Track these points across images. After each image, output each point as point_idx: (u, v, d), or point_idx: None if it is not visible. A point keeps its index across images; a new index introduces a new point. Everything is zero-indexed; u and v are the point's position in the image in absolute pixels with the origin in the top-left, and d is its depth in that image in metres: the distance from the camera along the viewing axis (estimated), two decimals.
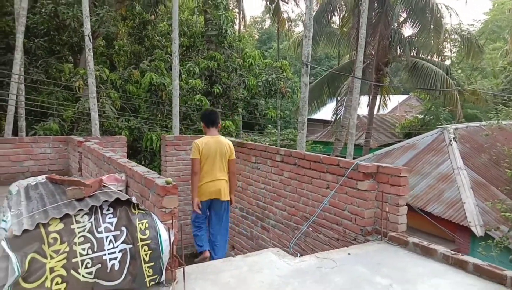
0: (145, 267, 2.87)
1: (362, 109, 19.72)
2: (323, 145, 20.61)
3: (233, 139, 7.41)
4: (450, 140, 10.50)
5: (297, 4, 21.79)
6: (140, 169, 3.76)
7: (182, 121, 12.17)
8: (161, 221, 3.02)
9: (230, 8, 20.80)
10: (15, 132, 9.92)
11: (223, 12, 14.87)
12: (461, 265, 3.47)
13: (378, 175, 4.25)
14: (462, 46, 17.59)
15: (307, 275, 3.36)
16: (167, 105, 12.78)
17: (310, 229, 4.96)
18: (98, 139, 7.24)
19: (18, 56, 9.25)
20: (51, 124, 10.92)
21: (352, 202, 4.42)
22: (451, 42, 19.18)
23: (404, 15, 17.31)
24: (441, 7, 16.30)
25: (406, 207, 4.15)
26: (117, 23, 14.02)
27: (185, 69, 13.73)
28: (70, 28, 12.32)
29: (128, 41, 16.24)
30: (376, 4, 16.08)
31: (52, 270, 2.63)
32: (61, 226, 2.77)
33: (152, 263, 2.89)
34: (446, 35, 16.78)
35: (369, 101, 18.33)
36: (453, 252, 3.64)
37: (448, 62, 21.25)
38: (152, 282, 2.90)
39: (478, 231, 8.20)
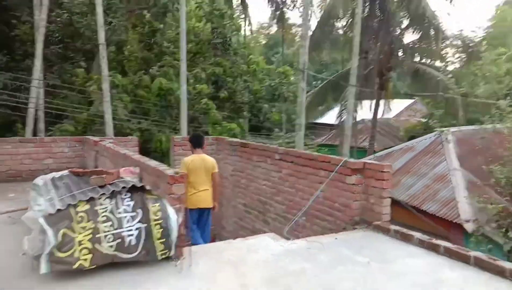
0: (157, 243, 3.39)
1: (366, 113, 20.11)
2: (328, 148, 20.99)
3: (237, 140, 7.93)
4: (442, 141, 10.94)
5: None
6: (153, 162, 4.29)
7: (189, 124, 12.73)
8: (170, 205, 3.53)
9: (237, 14, 21.41)
10: (33, 134, 10.54)
11: (228, 21, 15.48)
12: (434, 248, 3.94)
13: (364, 170, 4.74)
14: (464, 52, 17.98)
15: (297, 254, 3.85)
16: (175, 109, 13.37)
17: (304, 218, 5.45)
18: (112, 139, 7.79)
19: (38, 63, 9.88)
20: (66, 126, 11.55)
21: (342, 195, 4.91)
22: (452, 48, 19.57)
23: (406, 22, 17.76)
24: (443, 15, 16.77)
25: (389, 199, 4.62)
26: (127, 31, 14.68)
27: (192, 75, 14.34)
28: (84, 36, 12.98)
29: (138, 48, 16.90)
30: (378, 11, 16.56)
31: (80, 243, 3.16)
32: (87, 207, 3.31)
33: (164, 239, 3.41)
34: (447, 41, 17.18)
35: (371, 105, 18.73)
36: (427, 237, 4.11)
37: (451, 68, 21.60)
38: (163, 256, 3.42)
39: (469, 228, 8.61)
